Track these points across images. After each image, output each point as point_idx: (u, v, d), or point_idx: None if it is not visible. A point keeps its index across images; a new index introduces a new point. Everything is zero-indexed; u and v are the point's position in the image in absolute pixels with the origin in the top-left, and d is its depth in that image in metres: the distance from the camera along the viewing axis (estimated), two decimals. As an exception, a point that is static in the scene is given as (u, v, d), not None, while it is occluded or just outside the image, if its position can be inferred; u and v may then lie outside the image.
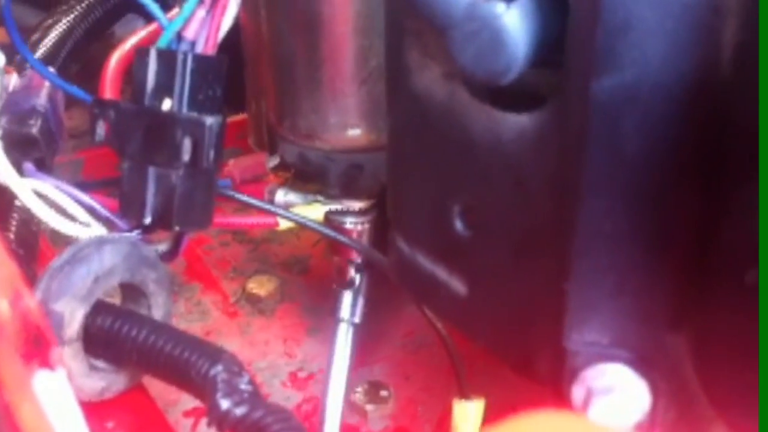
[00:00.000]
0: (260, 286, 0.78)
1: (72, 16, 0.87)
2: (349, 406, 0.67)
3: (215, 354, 0.50)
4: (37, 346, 0.26)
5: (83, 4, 0.88)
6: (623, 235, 0.36)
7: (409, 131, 0.46)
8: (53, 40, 0.85)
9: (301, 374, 0.71)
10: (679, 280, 0.36)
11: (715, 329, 0.35)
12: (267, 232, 0.86)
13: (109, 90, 0.65)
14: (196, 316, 0.77)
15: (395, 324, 0.74)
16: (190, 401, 0.68)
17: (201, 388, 0.49)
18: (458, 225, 0.44)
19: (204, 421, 0.67)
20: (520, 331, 0.42)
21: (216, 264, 0.83)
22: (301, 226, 0.83)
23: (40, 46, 0.83)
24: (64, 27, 0.86)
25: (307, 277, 0.81)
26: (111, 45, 0.72)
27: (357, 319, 0.63)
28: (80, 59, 0.88)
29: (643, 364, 0.37)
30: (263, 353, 0.73)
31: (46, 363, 0.26)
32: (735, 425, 0.36)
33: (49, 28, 0.86)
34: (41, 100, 0.64)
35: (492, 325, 0.43)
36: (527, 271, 0.40)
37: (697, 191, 0.34)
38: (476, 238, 0.43)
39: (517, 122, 0.38)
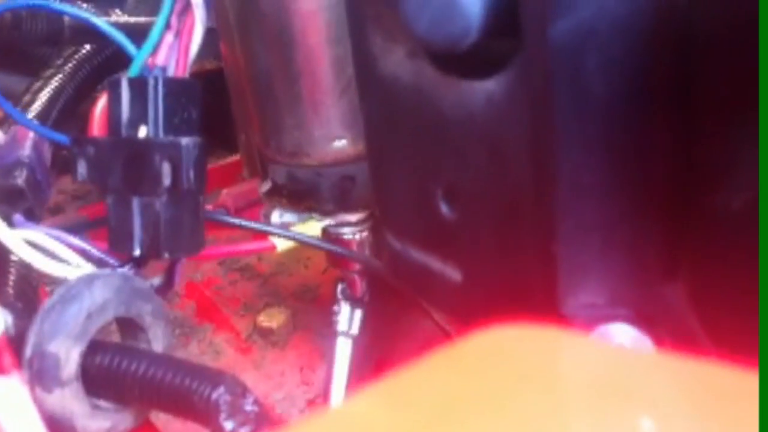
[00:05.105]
0: (271, 319, 0.77)
1: (60, 76, 0.87)
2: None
3: (216, 377, 0.49)
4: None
5: (70, 65, 0.88)
6: (604, 186, 0.34)
7: (382, 120, 0.44)
8: (44, 100, 0.85)
9: (320, 400, 0.69)
10: (666, 226, 0.34)
11: (712, 270, 0.33)
12: (274, 266, 0.84)
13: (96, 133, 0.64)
14: (209, 356, 0.76)
15: (409, 339, 0.72)
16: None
17: (205, 413, 0.48)
18: (443, 208, 0.42)
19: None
20: (517, 306, 0.40)
21: (226, 303, 0.82)
22: (309, 256, 0.82)
23: (30, 109, 0.83)
24: (54, 86, 0.86)
25: (318, 304, 0.79)
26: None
27: (354, 331, 0.61)
28: (71, 120, 0.88)
29: (644, 320, 0.36)
30: (279, 384, 0.71)
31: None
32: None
33: (39, 90, 0.86)
34: (26, 151, 0.64)
35: (489, 306, 0.42)
36: (516, 243, 0.39)
37: (669, 125, 0.33)
38: (463, 219, 0.42)
39: (484, 89, 0.37)
